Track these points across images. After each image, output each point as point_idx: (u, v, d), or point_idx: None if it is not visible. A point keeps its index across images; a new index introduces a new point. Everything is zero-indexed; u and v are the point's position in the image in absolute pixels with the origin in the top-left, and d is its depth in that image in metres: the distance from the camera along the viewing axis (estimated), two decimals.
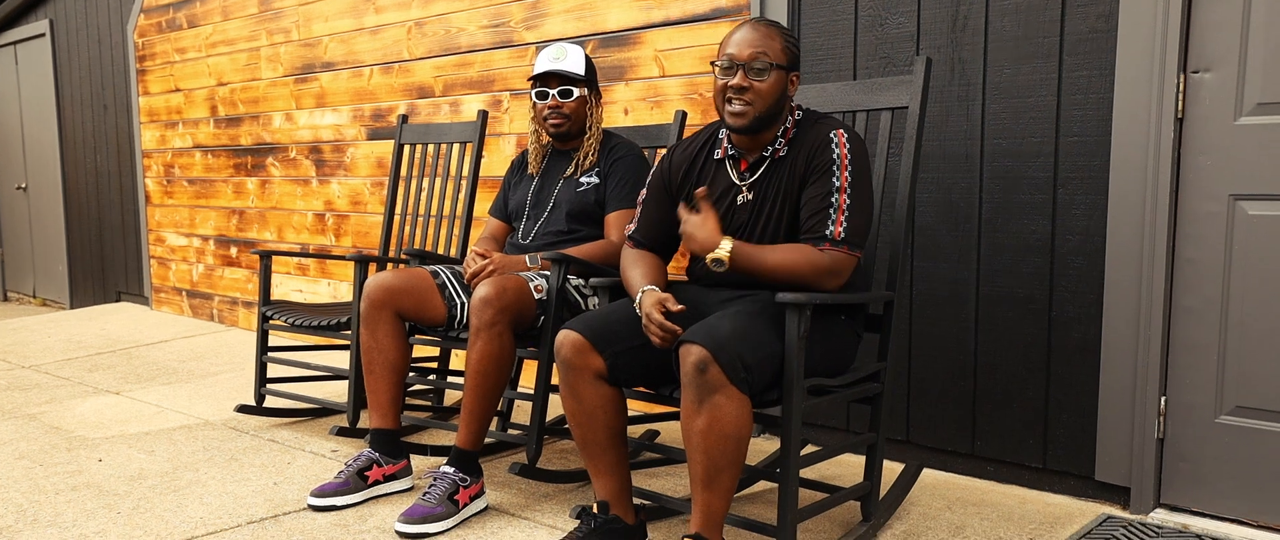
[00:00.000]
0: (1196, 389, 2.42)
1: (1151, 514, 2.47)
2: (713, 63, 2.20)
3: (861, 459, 2.96)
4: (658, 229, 2.38)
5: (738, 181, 2.25)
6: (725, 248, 2.08)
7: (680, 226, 2.15)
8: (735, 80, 2.14)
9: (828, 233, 2.10)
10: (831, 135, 2.15)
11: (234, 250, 5.51)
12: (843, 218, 2.10)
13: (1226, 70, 2.33)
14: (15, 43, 7.47)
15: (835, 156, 2.13)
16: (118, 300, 6.63)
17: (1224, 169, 2.35)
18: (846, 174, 2.12)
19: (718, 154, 2.30)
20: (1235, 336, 2.36)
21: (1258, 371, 2.33)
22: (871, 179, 2.18)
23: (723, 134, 2.30)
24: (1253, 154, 2.31)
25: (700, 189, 2.15)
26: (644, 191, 2.42)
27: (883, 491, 2.53)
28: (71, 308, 7.07)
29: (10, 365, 4.60)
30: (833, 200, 2.11)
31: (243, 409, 3.42)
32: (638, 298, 2.18)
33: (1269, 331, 2.31)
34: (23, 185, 7.76)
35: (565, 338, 2.13)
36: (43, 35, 7.02)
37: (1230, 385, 2.38)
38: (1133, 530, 2.35)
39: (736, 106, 2.15)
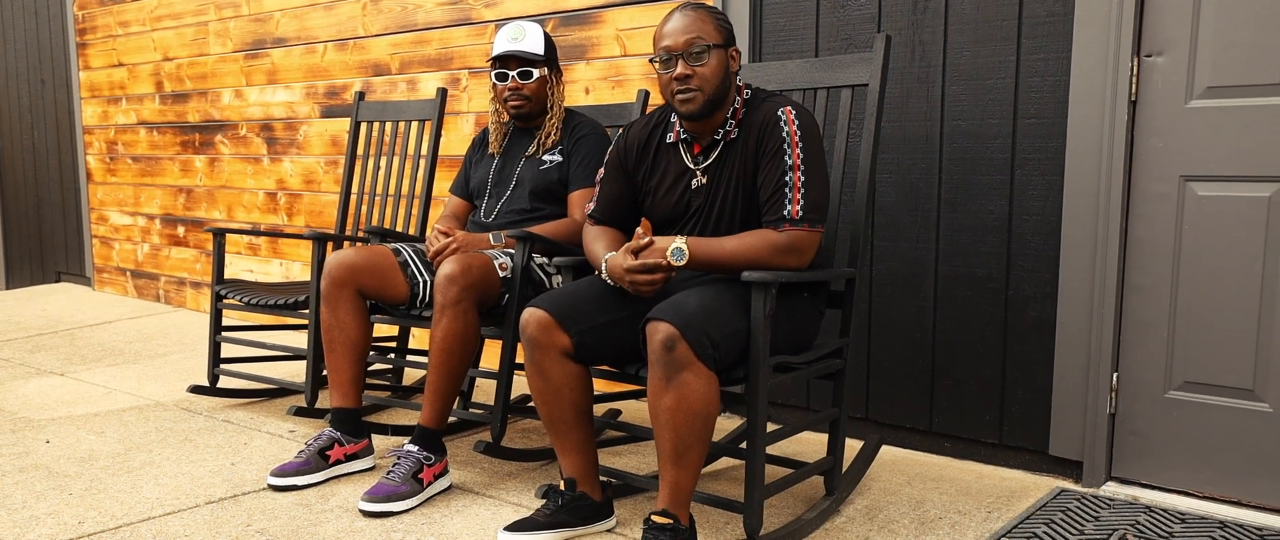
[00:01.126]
0: (1147, 365, 2.50)
1: (1103, 487, 2.54)
2: (651, 60, 2.20)
3: (822, 436, 3.00)
4: (616, 205, 2.39)
5: (692, 166, 2.26)
6: (681, 239, 2.09)
7: (636, 259, 2.12)
8: (677, 70, 2.14)
9: (785, 212, 2.11)
10: (779, 114, 2.15)
11: (181, 229, 5.38)
12: (799, 196, 2.11)
13: (1178, 54, 2.39)
14: None
15: (785, 135, 2.13)
16: (57, 280, 6.45)
17: (1175, 151, 2.41)
18: (798, 151, 2.12)
19: (670, 138, 2.30)
20: (1184, 314, 2.44)
21: (1204, 348, 2.41)
22: (824, 153, 2.18)
23: (674, 118, 2.30)
24: (1202, 136, 2.37)
25: (638, 230, 2.18)
26: (601, 170, 2.42)
27: (844, 467, 2.57)
28: (8, 288, 6.85)
29: None
30: (787, 180, 2.11)
31: (195, 389, 3.35)
32: (602, 268, 2.19)
33: (1215, 309, 2.39)
34: None
35: (531, 316, 2.12)
36: None
37: (1179, 361, 2.45)
38: (1086, 502, 2.42)
39: (684, 95, 2.15)
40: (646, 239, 2.13)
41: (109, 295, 5.86)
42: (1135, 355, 2.51)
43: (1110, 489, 2.53)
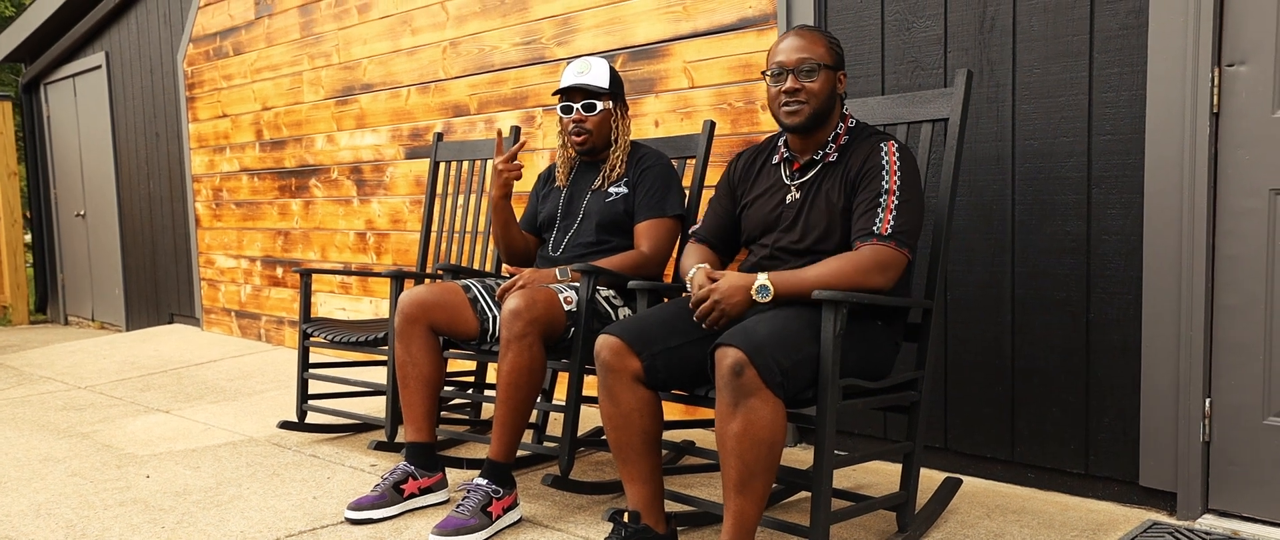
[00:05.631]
0: (1242, 390, 2.36)
1: (1199, 519, 2.40)
2: (763, 72, 2.30)
3: (899, 470, 2.92)
4: (719, 228, 2.49)
5: (788, 181, 2.33)
6: (763, 277, 2.11)
7: (698, 290, 2.16)
8: (787, 84, 2.24)
9: (875, 228, 2.14)
10: (882, 146, 2.23)
11: (280, 271, 5.62)
12: (891, 216, 2.15)
13: (1263, 62, 2.27)
14: (73, 76, 7.72)
15: (884, 163, 2.20)
16: (170, 322, 6.79)
17: (1263, 163, 2.29)
18: (896, 178, 2.18)
19: (775, 159, 2.40)
20: None
21: None
22: (921, 188, 2.22)
23: (781, 142, 2.39)
24: None
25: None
26: (713, 193, 2.53)
27: (921, 501, 2.50)
28: (127, 330, 7.25)
29: (67, 386, 4.73)
30: (882, 200, 2.17)
31: (285, 425, 3.48)
32: (690, 274, 2.26)
33: None
34: (82, 212, 8.01)
35: (604, 342, 2.17)
36: (99, 67, 7.25)
37: (1278, 385, 2.31)
38: (1180, 535, 2.29)
39: (791, 107, 2.25)
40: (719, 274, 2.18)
41: (216, 335, 6.15)
42: (1229, 379, 2.37)
43: (1207, 522, 2.39)
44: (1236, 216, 2.33)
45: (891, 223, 2.14)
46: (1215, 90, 2.32)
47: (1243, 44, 2.29)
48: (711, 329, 2.15)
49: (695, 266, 2.25)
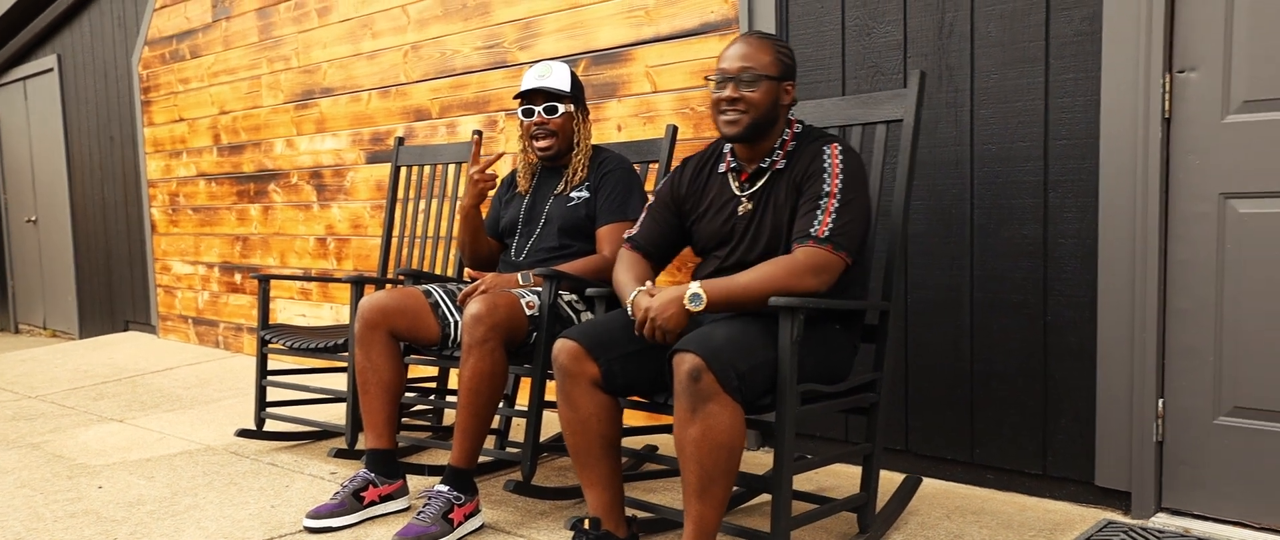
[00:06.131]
0: (1194, 391, 2.40)
1: (1153, 518, 2.44)
2: (706, 78, 2.26)
3: (860, 472, 2.94)
4: (656, 236, 2.43)
5: (738, 192, 2.29)
6: (695, 285, 2.07)
7: (638, 313, 2.12)
8: (727, 92, 2.21)
9: (812, 231, 2.12)
10: (825, 149, 2.20)
11: (238, 277, 5.54)
12: (829, 219, 2.12)
13: (1212, 68, 2.32)
14: (24, 78, 7.56)
15: (826, 166, 2.17)
16: (126, 329, 6.67)
17: (1213, 168, 2.33)
18: (837, 181, 2.15)
19: (722, 167, 2.36)
20: (1230, 337, 2.34)
21: (1254, 372, 2.31)
22: (867, 191, 2.20)
23: (727, 150, 2.36)
24: (1241, 152, 2.29)
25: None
26: (652, 198, 2.47)
27: (881, 502, 2.51)
28: (81, 338, 7.11)
29: (17, 395, 4.63)
30: (821, 203, 2.14)
31: (243, 433, 3.42)
32: (630, 297, 2.20)
33: (1263, 331, 2.29)
34: (32, 218, 7.84)
35: (562, 346, 2.15)
36: (51, 70, 7.11)
37: (1227, 386, 2.36)
38: (1134, 534, 2.33)
39: (729, 115, 2.22)
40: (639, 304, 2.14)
41: (172, 342, 6.04)
42: (1181, 381, 2.42)
43: (1160, 520, 2.43)
44: (1187, 221, 2.38)
45: (830, 225, 2.11)
46: (1167, 96, 2.37)
47: (1193, 51, 2.34)
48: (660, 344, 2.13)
49: (634, 291, 2.20)
